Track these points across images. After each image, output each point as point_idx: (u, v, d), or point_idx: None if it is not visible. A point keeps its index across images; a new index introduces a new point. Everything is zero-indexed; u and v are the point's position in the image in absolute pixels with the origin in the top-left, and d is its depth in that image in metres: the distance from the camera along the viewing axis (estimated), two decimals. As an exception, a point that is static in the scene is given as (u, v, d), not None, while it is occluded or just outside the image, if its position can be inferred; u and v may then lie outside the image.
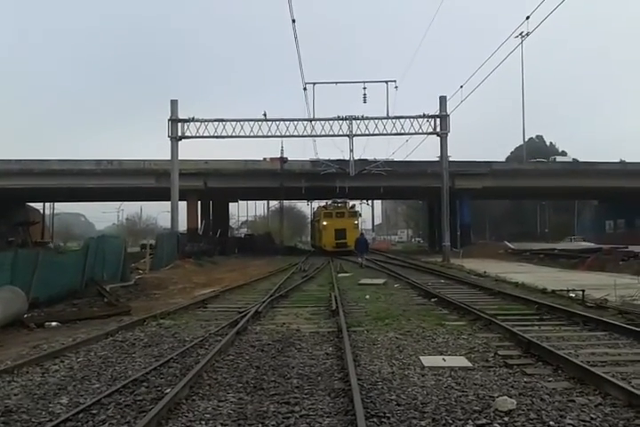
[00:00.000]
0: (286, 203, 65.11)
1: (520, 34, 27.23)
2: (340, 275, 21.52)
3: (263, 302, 12.26)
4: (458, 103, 30.98)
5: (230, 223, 67.93)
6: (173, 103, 32.63)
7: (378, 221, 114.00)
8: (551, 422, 4.59)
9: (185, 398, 5.37)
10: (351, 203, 47.49)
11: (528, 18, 16.34)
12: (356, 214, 46.10)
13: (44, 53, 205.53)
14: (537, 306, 11.26)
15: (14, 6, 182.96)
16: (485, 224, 77.45)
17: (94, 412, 4.99)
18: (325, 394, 5.53)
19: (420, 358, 7.03)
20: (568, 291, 13.47)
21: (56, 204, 59.76)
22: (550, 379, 5.99)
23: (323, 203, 51.90)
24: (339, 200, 45.75)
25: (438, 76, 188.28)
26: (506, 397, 5.11)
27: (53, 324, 10.48)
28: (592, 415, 4.72)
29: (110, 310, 12.12)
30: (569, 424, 4.55)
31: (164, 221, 69.96)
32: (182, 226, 39.10)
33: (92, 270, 16.07)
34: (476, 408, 4.96)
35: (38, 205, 55.47)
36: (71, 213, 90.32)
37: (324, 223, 44.53)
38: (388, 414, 4.81)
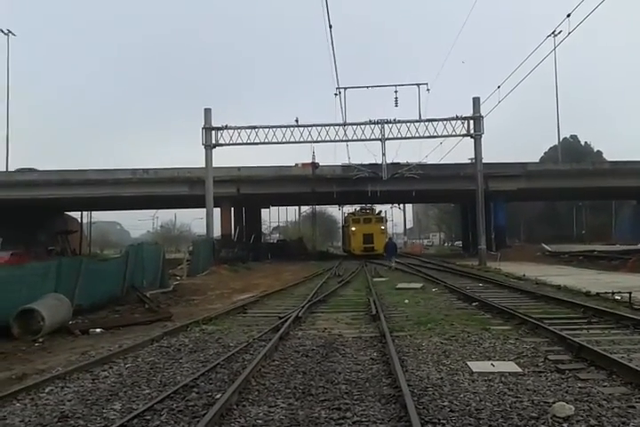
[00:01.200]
0: (318, 208, 65.11)
1: (553, 32, 26.83)
2: (375, 279, 21.41)
3: (302, 306, 12.25)
4: (494, 104, 30.56)
5: (262, 229, 68.27)
6: (207, 112, 32.98)
7: (409, 224, 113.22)
8: (613, 429, 4.46)
9: (236, 404, 5.39)
10: (377, 209, 50.35)
11: (569, 15, 15.95)
12: (382, 220, 48.52)
13: (79, 65, 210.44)
14: (583, 309, 10.99)
15: (49, 20, 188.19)
16: (520, 226, 76.11)
17: (148, 418, 5.03)
18: (376, 400, 5.48)
19: (468, 363, 6.92)
20: (613, 293, 13.12)
21: (93, 212, 60.92)
22: (606, 384, 5.83)
23: (354, 207, 54.96)
24: (366, 207, 49.38)
25: (471, 77, 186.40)
26: (563, 402, 4.98)
27: (97, 330, 10.65)
28: (656, 422, 4.57)
29: (152, 316, 12.27)
30: (633, 431, 4.42)
31: (198, 228, 70.95)
32: (216, 232, 39.43)
33: (132, 277, 16.32)
34: (533, 415, 4.86)
35: (76, 214, 56.65)
36: (107, 221, 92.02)
37: (353, 229, 47.30)
38: (442, 421, 4.73)
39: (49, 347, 9.22)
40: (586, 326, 9.39)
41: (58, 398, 5.87)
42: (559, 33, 21.23)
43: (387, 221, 52.38)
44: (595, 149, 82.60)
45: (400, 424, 4.69)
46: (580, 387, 5.74)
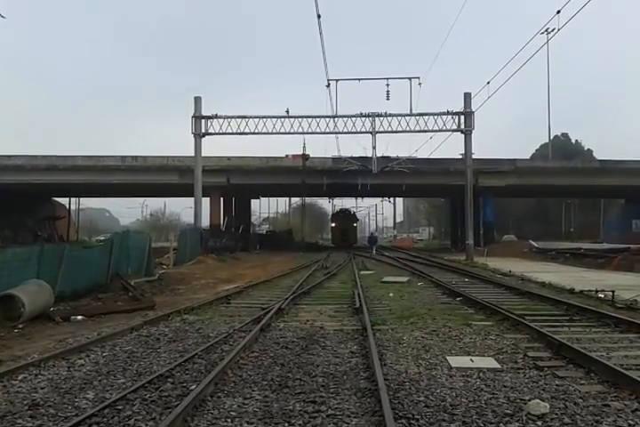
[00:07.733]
0: (308, 200, 65.46)
1: (546, 30, 26.82)
2: (362, 272, 21.40)
3: (286, 298, 12.20)
4: (484, 100, 30.62)
5: (252, 220, 68.20)
6: (197, 100, 32.68)
7: (400, 218, 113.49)
8: (587, 428, 4.44)
9: (210, 395, 5.33)
10: (352, 210, 67.73)
11: (559, 12, 15.93)
12: (355, 219, 65.93)
13: (69, 51, 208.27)
14: (565, 307, 11.02)
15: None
16: (509, 223, 76.49)
17: (120, 407, 4.96)
18: (352, 393, 5.44)
19: (447, 358, 6.90)
20: (596, 291, 13.19)
21: (81, 199, 60.53)
22: (583, 382, 5.82)
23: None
24: (343, 208, 67.48)
25: (463, 72, 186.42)
26: (538, 400, 4.97)
27: (79, 318, 10.55)
28: (630, 422, 4.55)
29: (135, 304, 12.18)
30: (606, 430, 4.41)
31: (187, 217, 71.03)
32: (205, 222, 39.29)
33: (117, 265, 16.19)
34: (508, 411, 4.83)
35: (64, 200, 56.18)
36: (96, 208, 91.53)
37: (333, 225, 64.03)
38: (416, 416, 4.70)
39: (28, 333, 9.12)
40: (567, 324, 9.38)
41: (31, 385, 5.78)
42: (552, 30, 21.26)
43: (358, 220, 73.00)
44: (585, 148, 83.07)
45: (373, 419, 4.65)
46: (557, 385, 5.72)
